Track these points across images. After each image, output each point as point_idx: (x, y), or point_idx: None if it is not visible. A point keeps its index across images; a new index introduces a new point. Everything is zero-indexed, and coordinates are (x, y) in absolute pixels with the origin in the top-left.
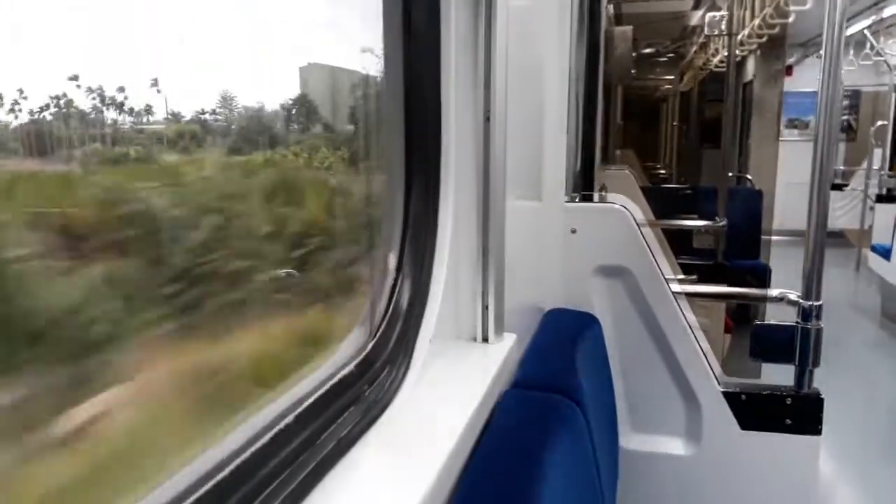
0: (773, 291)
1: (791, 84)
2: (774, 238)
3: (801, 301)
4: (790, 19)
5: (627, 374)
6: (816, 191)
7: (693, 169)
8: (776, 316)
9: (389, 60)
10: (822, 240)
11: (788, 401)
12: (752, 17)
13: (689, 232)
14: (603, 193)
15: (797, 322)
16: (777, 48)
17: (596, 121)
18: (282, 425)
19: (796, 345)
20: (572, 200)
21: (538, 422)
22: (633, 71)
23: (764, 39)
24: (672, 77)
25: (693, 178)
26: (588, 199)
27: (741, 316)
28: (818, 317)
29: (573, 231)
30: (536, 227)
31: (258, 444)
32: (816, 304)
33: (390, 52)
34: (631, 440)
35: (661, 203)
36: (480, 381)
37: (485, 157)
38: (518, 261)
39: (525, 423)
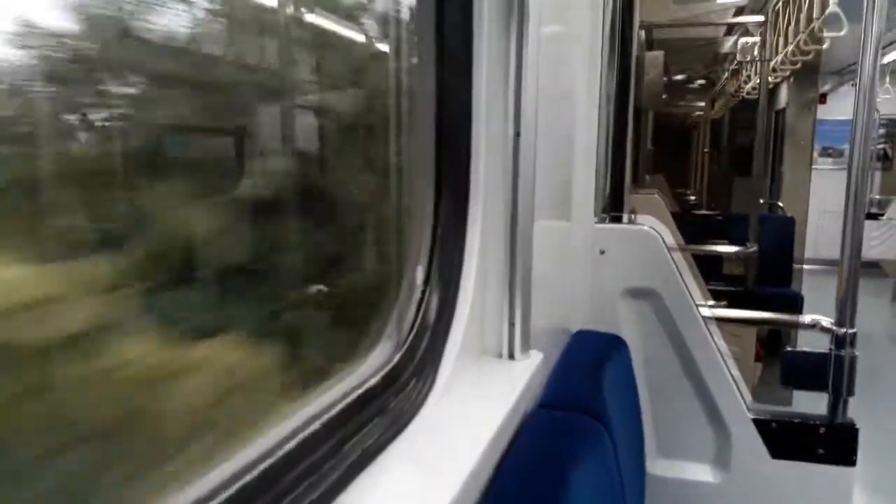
0: (806, 318)
1: (824, 112)
2: (807, 267)
3: (834, 328)
4: (825, 46)
5: (655, 397)
6: (851, 218)
7: (723, 195)
8: (809, 346)
9: (422, 74)
10: (857, 267)
11: (822, 430)
12: (786, 43)
13: (718, 258)
14: (632, 216)
15: (830, 349)
16: (811, 75)
17: (626, 144)
18: (308, 431)
19: (829, 372)
20: (601, 221)
21: (564, 442)
22: (664, 96)
23: (797, 66)
24: (703, 103)
25: (723, 205)
26: (617, 220)
27: (772, 345)
28: (852, 344)
29: (602, 252)
30: (564, 247)
31: (285, 448)
32: (851, 331)
33: (423, 67)
34: (657, 465)
35: (691, 228)
36: (506, 399)
37: (514, 173)
38: (545, 279)
39: (551, 444)
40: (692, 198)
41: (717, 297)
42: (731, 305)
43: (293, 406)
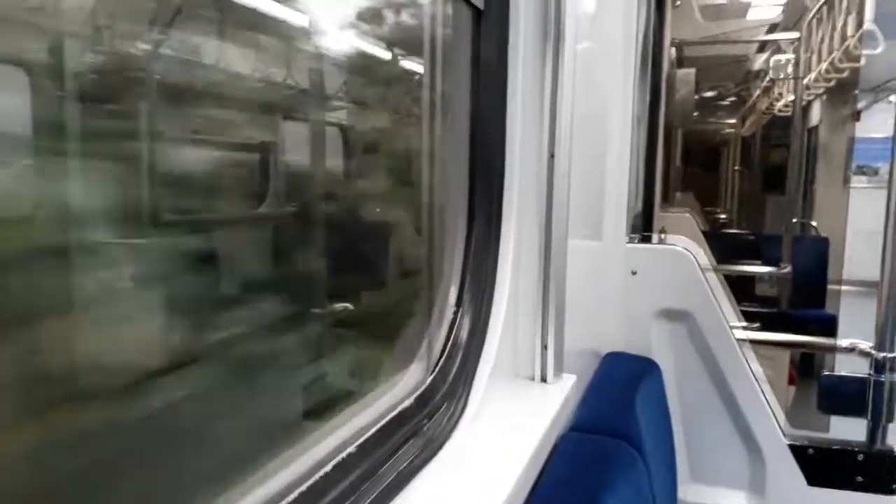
0: (844, 341)
1: (859, 130)
2: (844, 288)
3: (873, 352)
4: (861, 63)
5: (687, 421)
6: (891, 238)
7: (754, 214)
8: (844, 369)
9: (456, 96)
10: None
11: (860, 457)
12: (820, 60)
13: (750, 278)
14: (662, 236)
15: (869, 374)
16: (845, 93)
17: (656, 162)
18: (344, 454)
19: (868, 398)
20: (631, 241)
21: (599, 468)
22: (694, 114)
23: (832, 84)
24: (734, 121)
25: (754, 224)
26: (647, 240)
27: (805, 368)
28: (893, 369)
29: (634, 273)
30: (596, 267)
31: (321, 473)
32: (891, 355)
33: (457, 88)
34: (690, 491)
35: (722, 248)
36: (539, 423)
37: (548, 195)
38: (577, 301)
39: (585, 468)
40: (722, 216)
41: (750, 318)
42: (763, 327)
43: (330, 424)
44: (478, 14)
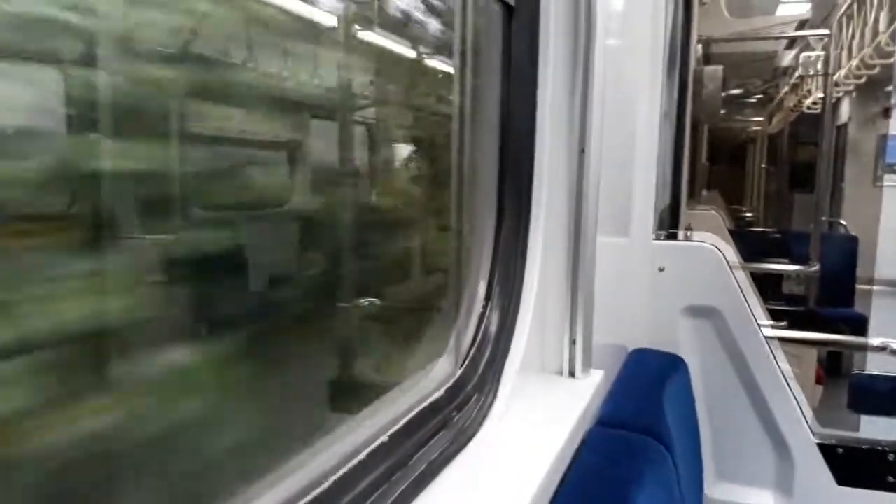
0: (875, 340)
1: (890, 127)
2: (869, 287)
3: None
4: (893, 60)
5: (714, 419)
6: None
7: (781, 212)
8: (875, 369)
9: (486, 92)
10: None
11: (891, 457)
12: (850, 57)
13: (778, 276)
14: (689, 233)
15: None
16: (875, 89)
17: (683, 159)
18: (377, 443)
19: None
20: (658, 238)
21: (626, 462)
22: (721, 111)
23: (862, 80)
24: (761, 118)
25: (781, 222)
26: (673, 237)
27: (833, 367)
28: None
29: (661, 269)
30: (623, 264)
31: (355, 461)
32: None
33: (487, 85)
34: (716, 489)
35: (748, 246)
36: (568, 416)
37: (578, 190)
38: (603, 297)
39: (613, 463)
40: (748, 214)
41: (777, 316)
42: (790, 326)
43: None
44: (509, 11)
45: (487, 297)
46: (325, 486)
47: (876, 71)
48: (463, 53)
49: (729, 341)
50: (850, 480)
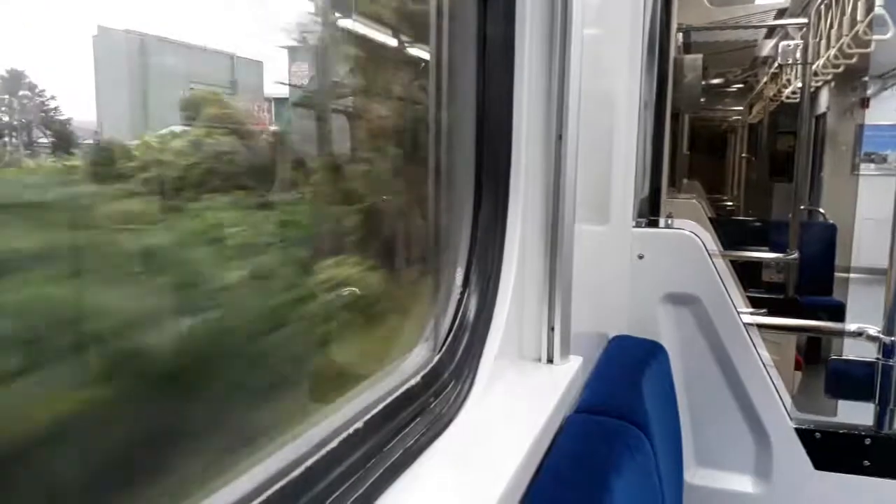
0: (852, 326)
1: (868, 117)
2: (852, 276)
3: (881, 336)
4: (870, 49)
5: (694, 405)
6: None
7: (761, 201)
8: (851, 355)
9: (461, 77)
10: None
11: (867, 441)
12: (828, 46)
13: (758, 265)
14: (669, 220)
15: (878, 358)
16: (853, 79)
17: (663, 147)
18: (351, 430)
19: (876, 382)
20: (638, 226)
21: (604, 447)
22: (701, 100)
23: (840, 70)
24: (741, 108)
25: (761, 211)
26: (654, 224)
27: (812, 353)
28: None
29: (640, 257)
30: (602, 251)
31: (329, 447)
32: None
33: (463, 69)
34: (696, 475)
35: (729, 234)
36: (545, 402)
37: (556, 176)
38: (583, 284)
39: (590, 448)
40: (728, 203)
41: (757, 304)
42: (770, 314)
43: (338, 401)
44: None
45: (465, 284)
46: (297, 472)
47: (854, 60)
48: (438, 38)
49: (709, 328)
50: (828, 464)
